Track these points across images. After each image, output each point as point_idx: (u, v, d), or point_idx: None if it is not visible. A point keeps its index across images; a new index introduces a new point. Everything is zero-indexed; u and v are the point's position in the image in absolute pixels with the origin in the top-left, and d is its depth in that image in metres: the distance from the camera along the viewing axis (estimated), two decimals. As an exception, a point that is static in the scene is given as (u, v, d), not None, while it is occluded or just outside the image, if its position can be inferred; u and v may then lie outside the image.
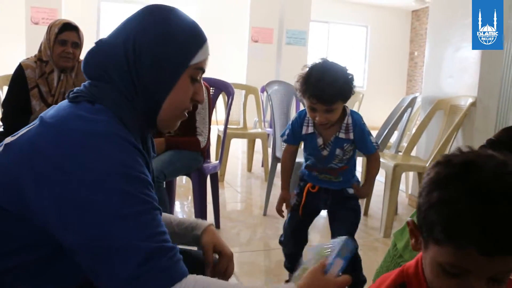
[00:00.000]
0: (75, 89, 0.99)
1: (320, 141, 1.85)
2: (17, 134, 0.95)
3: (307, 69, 1.75)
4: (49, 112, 0.96)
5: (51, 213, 0.84)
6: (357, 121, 1.83)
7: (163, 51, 0.96)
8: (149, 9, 1.01)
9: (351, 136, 1.82)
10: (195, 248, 1.27)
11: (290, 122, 1.92)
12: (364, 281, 1.91)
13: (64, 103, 0.97)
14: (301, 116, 1.88)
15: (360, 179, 2.00)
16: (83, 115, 0.91)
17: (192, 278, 0.88)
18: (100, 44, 1.00)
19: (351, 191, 1.92)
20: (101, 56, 0.98)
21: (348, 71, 1.77)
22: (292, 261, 1.96)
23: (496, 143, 1.39)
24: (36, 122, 0.95)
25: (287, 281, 1.98)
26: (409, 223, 0.87)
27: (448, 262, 0.76)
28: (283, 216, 2.01)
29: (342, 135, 1.82)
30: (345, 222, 1.90)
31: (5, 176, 0.89)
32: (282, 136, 1.96)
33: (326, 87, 1.68)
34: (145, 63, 0.95)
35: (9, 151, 0.92)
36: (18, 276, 0.90)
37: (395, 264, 1.61)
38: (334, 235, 1.90)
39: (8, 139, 0.95)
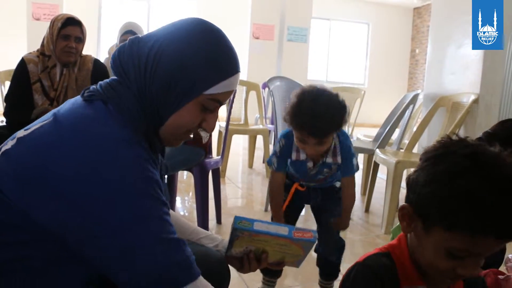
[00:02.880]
0: (91, 87, 0.98)
1: (310, 164, 1.77)
2: (30, 128, 0.93)
3: (296, 99, 1.62)
4: (63, 109, 0.94)
5: (70, 213, 0.83)
6: (344, 142, 1.76)
7: (178, 72, 0.93)
8: (192, 23, 0.97)
9: (339, 159, 1.75)
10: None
11: (278, 150, 1.79)
12: (343, 245, 1.92)
13: (78, 101, 0.95)
14: (289, 141, 1.75)
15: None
16: (98, 118, 0.90)
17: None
18: (132, 42, 0.97)
19: (338, 184, 1.90)
20: (128, 55, 0.96)
21: (340, 99, 1.63)
22: None
23: (492, 135, 1.45)
24: (49, 118, 0.92)
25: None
26: (405, 207, 0.92)
27: (459, 248, 0.82)
28: None
29: (329, 160, 1.75)
30: (334, 212, 1.89)
31: (14, 167, 0.88)
32: (270, 164, 1.83)
33: (319, 121, 1.56)
34: (158, 77, 0.93)
35: (22, 145, 0.90)
36: (15, 269, 0.89)
37: None
38: (322, 224, 1.92)
39: (20, 133, 0.93)
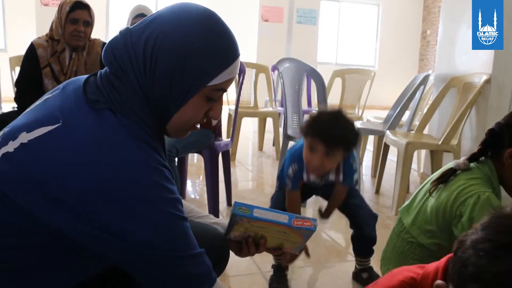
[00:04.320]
0: (91, 80, 0.94)
1: (317, 180, 1.90)
2: (33, 130, 0.88)
3: (317, 113, 1.79)
4: (67, 109, 0.89)
5: (95, 232, 0.84)
6: (347, 160, 1.85)
7: (179, 67, 0.89)
8: (185, 11, 0.92)
9: (341, 177, 1.88)
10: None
11: (291, 174, 1.87)
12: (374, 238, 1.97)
13: (83, 105, 0.90)
14: (301, 165, 1.84)
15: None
16: (113, 136, 0.87)
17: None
18: (124, 34, 0.92)
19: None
20: (122, 50, 0.90)
21: (356, 127, 1.78)
22: None
23: (504, 125, 1.43)
24: (55, 122, 0.87)
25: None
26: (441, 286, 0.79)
27: None
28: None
29: (332, 177, 1.88)
30: (353, 193, 1.98)
31: (25, 177, 0.84)
32: (285, 184, 1.92)
33: (334, 128, 1.70)
34: (158, 76, 0.89)
35: (29, 152, 0.86)
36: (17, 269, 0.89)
37: (402, 240, 1.62)
38: (350, 207, 1.98)
39: (23, 136, 0.88)
